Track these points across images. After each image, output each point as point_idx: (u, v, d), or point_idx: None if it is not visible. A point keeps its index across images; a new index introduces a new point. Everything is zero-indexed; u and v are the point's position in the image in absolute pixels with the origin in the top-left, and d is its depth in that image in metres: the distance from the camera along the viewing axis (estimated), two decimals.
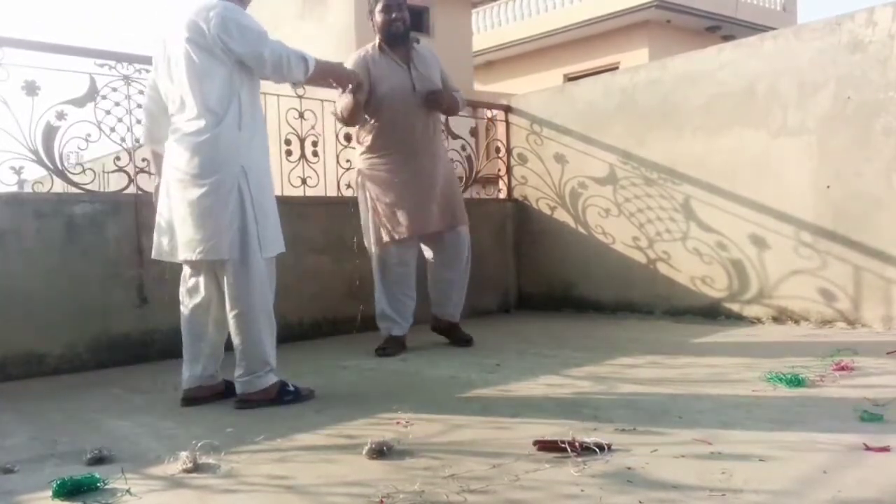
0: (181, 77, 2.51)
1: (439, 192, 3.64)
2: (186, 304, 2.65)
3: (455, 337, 3.82)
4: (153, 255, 2.67)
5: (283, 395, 2.57)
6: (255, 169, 2.55)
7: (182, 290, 2.67)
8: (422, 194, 3.58)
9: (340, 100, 3.47)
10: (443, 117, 4.10)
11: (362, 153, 3.67)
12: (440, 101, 3.60)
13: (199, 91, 2.48)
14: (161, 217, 2.62)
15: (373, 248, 3.69)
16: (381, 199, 3.60)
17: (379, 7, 3.57)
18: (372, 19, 3.64)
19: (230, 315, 2.56)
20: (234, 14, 2.50)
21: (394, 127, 3.55)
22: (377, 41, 3.63)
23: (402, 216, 3.56)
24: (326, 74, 2.91)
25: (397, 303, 3.69)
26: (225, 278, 2.54)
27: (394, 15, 3.53)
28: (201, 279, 2.62)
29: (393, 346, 3.63)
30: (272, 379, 2.58)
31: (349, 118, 3.52)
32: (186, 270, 2.65)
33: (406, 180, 3.55)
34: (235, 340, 2.57)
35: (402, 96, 3.53)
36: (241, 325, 2.54)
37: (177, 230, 2.56)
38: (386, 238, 3.60)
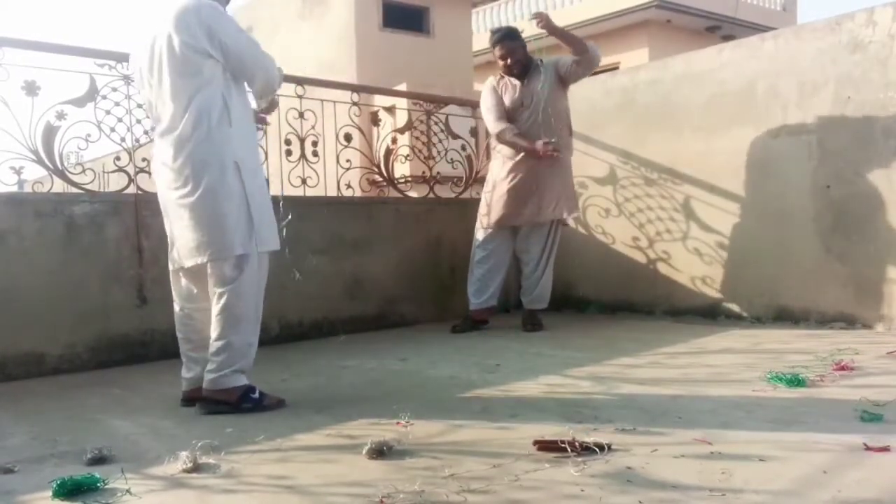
0: (165, 76, 2.43)
1: (540, 190, 4.09)
2: (184, 307, 2.61)
3: (523, 321, 4.27)
4: (170, 266, 2.59)
5: (242, 402, 2.46)
6: (249, 164, 2.51)
7: (175, 293, 2.62)
8: (519, 192, 4.09)
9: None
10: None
11: (495, 149, 4.28)
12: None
13: (185, 89, 2.41)
14: (167, 226, 2.58)
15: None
16: (485, 191, 4.27)
17: (496, 52, 4.16)
18: (493, 53, 4.22)
19: (217, 309, 2.46)
20: (220, 12, 2.48)
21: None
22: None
23: (493, 209, 4.17)
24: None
25: (477, 282, 4.28)
26: (215, 273, 2.46)
27: (508, 61, 4.11)
28: (199, 282, 2.56)
29: (462, 324, 4.25)
30: (240, 381, 2.48)
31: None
32: (180, 273, 2.59)
33: (510, 179, 4.11)
34: (214, 334, 2.47)
35: (514, 110, 4.12)
36: (227, 321, 2.45)
37: (178, 236, 2.51)
38: (478, 224, 4.29)
